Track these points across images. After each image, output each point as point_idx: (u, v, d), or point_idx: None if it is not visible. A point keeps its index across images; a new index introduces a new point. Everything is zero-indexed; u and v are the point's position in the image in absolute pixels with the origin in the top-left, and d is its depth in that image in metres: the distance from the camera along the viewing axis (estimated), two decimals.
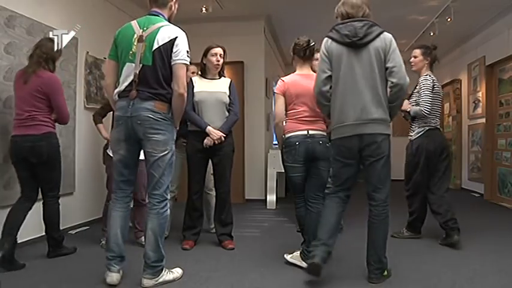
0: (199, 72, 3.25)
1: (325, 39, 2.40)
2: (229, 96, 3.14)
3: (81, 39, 3.69)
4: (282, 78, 2.78)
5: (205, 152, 3.09)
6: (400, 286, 2.32)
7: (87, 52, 3.90)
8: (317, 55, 3.48)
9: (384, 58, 2.29)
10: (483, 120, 5.85)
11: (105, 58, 4.03)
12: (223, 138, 3.05)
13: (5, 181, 2.92)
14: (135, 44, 2.22)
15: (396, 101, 2.36)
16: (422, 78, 3.24)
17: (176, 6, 2.41)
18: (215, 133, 3.02)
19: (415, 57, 3.32)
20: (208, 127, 3.02)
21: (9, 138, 2.72)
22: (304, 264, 2.60)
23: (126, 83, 2.25)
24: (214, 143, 3.02)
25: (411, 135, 3.31)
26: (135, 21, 2.31)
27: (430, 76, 3.23)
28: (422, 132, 3.23)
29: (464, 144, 6.65)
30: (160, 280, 2.32)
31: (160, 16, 2.31)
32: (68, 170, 3.51)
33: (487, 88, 5.71)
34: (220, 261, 2.82)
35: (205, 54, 3.16)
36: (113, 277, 2.29)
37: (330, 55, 2.36)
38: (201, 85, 3.13)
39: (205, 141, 3.03)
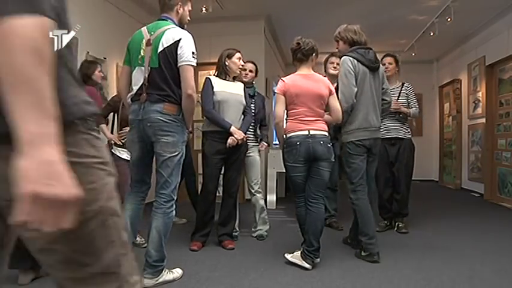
0: (216, 74, 3.23)
1: (351, 59, 2.76)
2: (245, 100, 3.18)
3: (81, 39, 3.68)
4: (282, 78, 2.78)
5: (226, 152, 3.07)
6: (400, 286, 2.32)
7: (87, 52, 3.89)
8: (329, 58, 3.64)
9: (381, 80, 2.92)
10: (483, 120, 5.85)
11: (105, 58, 4.06)
12: (245, 139, 3.07)
13: None
14: (144, 48, 2.28)
15: (382, 113, 3.05)
16: (407, 84, 3.74)
17: (186, 9, 2.44)
18: (239, 133, 3.02)
19: (390, 64, 3.71)
20: (233, 127, 3.01)
21: None
22: (304, 264, 2.61)
23: (137, 87, 2.31)
24: (237, 143, 3.03)
25: (409, 135, 3.61)
26: (145, 27, 2.36)
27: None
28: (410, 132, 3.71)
29: (464, 144, 6.65)
30: (161, 280, 2.33)
31: (169, 20, 2.35)
32: None
33: (487, 88, 5.71)
34: (220, 261, 2.82)
35: (229, 57, 3.17)
36: None
37: (356, 73, 2.76)
38: (221, 85, 3.13)
39: (229, 141, 3.00)
